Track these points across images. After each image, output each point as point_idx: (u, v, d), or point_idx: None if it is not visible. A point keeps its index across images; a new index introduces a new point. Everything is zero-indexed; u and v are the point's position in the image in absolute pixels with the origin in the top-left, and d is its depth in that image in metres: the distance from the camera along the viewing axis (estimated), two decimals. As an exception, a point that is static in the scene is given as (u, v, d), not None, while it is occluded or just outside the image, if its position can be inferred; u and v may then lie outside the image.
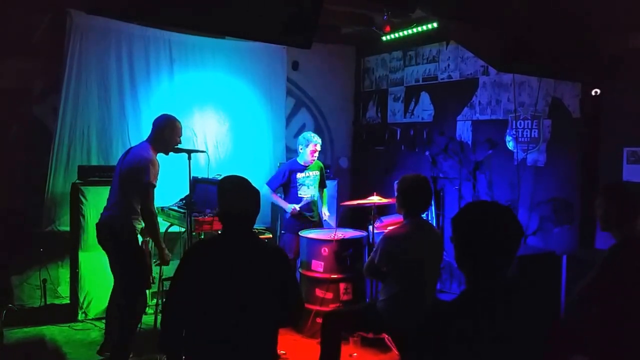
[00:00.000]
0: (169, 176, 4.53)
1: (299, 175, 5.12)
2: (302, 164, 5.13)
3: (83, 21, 5.19)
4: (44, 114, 5.43)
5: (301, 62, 6.78)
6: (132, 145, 4.61)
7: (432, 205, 5.27)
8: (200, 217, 4.25)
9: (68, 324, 4.87)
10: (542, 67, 4.05)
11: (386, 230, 3.89)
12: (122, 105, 5.52)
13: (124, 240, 3.89)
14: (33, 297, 5.11)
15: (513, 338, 1.71)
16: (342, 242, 4.70)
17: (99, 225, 4.01)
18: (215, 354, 2.50)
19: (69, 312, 4.98)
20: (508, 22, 3.57)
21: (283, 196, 5.22)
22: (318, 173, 5.24)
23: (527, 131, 5.12)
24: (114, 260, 3.99)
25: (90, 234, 4.60)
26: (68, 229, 5.01)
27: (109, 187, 4.09)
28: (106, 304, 4.34)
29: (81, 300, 4.96)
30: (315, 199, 5.21)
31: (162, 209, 4.72)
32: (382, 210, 5.40)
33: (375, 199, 4.67)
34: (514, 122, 5.22)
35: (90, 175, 4.96)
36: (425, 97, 6.34)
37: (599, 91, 4.40)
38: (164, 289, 4.23)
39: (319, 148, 5.12)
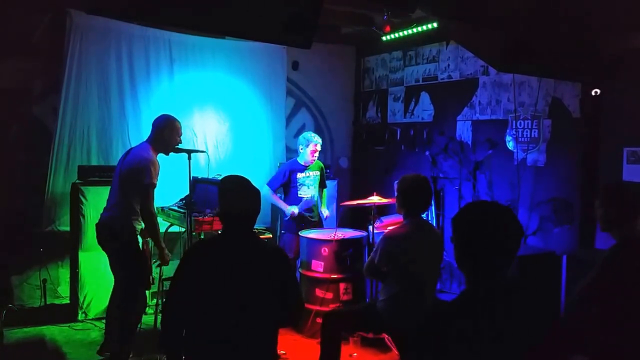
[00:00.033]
0: (169, 176, 4.53)
1: (299, 175, 5.12)
2: (303, 164, 5.13)
3: (83, 21, 5.19)
4: (44, 114, 5.43)
5: (301, 62, 6.78)
6: (132, 145, 4.62)
7: (432, 205, 5.27)
8: (200, 217, 4.25)
9: (68, 324, 4.88)
10: (542, 67, 4.05)
11: (386, 230, 3.89)
12: (122, 105, 5.52)
13: (124, 241, 3.90)
14: (33, 297, 5.11)
15: (513, 338, 1.71)
16: (342, 242, 4.70)
17: (98, 226, 4.01)
18: (215, 354, 2.50)
19: (69, 312, 4.98)
20: (508, 22, 3.57)
21: (283, 196, 5.22)
22: (318, 173, 5.24)
23: (527, 131, 5.12)
24: (114, 260, 3.99)
25: (90, 234, 4.60)
26: (68, 229, 5.01)
27: (109, 187, 4.09)
28: (106, 304, 4.34)
29: (81, 300, 4.96)
30: (316, 199, 5.21)
31: (162, 209, 4.72)
32: (382, 210, 5.40)
33: (375, 199, 4.67)
34: (514, 122, 5.22)
35: (90, 175, 4.96)
36: (425, 97, 6.34)
37: (599, 91, 4.40)
38: (164, 289, 4.23)
39: (319, 148, 5.12)
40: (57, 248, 5.14)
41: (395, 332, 3.65)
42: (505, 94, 5.33)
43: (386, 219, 5.10)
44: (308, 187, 5.14)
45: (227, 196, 2.69)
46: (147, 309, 4.49)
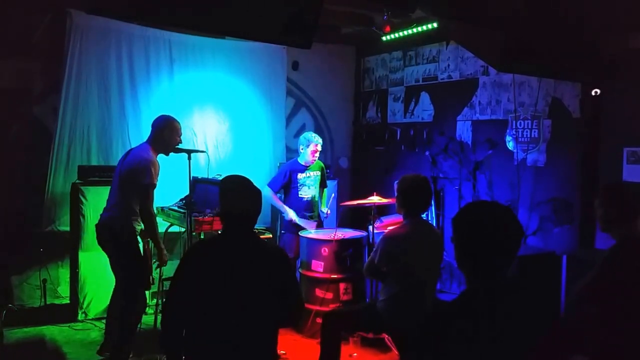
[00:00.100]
0: (169, 176, 4.53)
1: (300, 175, 5.12)
2: (303, 164, 5.13)
3: (83, 21, 5.19)
4: (44, 114, 5.44)
5: (301, 62, 6.78)
6: (132, 145, 4.63)
7: (432, 205, 5.27)
8: (200, 217, 4.25)
9: (68, 324, 4.88)
10: (542, 67, 4.05)
11: (386, 231, 3.89)
12: (122, 105, 5.52)
13: (124, 241, 3.90)
14: (33, 297, 5.11)
15: (513, 338, 1.71)
16: (342, 242, 4.70)
17: (98, 227, 4.01)
18: (216, 354, 2.50)
19: (69, 312, 4.98)
20: (508, 22, 3.57)
21: (283, 196, 5.22)
22: (319, 173, 5.24)
23: (527, 131, 5.12)
24: (114, 261, 3.99)
25: (90, 234, 4.60)
26: (68, 229, 5.01)
27: (109, 187, 4.09)
28: (106, 304, 4.35)
29: (81, 300, 4.96)
30: (316, 199, 5.21)
31: (162, 209, 4.72)
32: (382, 210, 5.40)
33: (375, 199, 4.67)
34: (514, 122, 5.22)
35: (90, 175, 4.96)
36: (425, 97, 6.34)
37: (599, 91, 4.40)
38: (164, 289, 4.23)
39: (319, 148, 5.11)
40: (57, 248, 5.14)
41: (395, 332, 3.65)
42: (505, 94, 5.33)
43: (386, 219, 5.10)
44: (309, 187, 5.14)
45: (228, 196, 2.69)
46: (147, 309, 4.49)
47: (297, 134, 6.23)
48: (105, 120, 5.44)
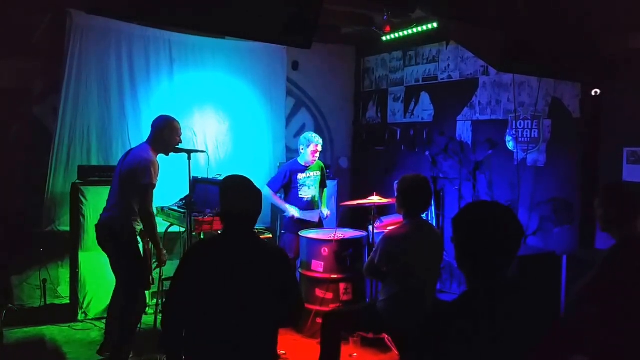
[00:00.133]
0: (169, 176, 4.53)
1: (300, 175, 5.12)
2: (303, 164, 5.13)
3: (83, 21, 5.19)
4: (44, 114, 5.44)
5: (301, 62, 6.78)
6: (132, 145, 4.63)
7: (432, 205, 5.27)
8: (200, 217, 4.25)
9: (68, 324, 4.87)
10: (542, 67, 4.05)
11: (386, 231, 3.89)
12: (122, 105, 5.52)
13: (124, 241, 3.90)
14: (33, 297, 5.10)
15: (513, 338, 1.71)
16: (342, 242, 4.70)
17: (98, 227, 4.01)
18: (216, 354, 2.50)
19: (69, 312, 4.98)
20: (508, 22, 3.57)
21: (283, 196, 5.22)
22: (319, 173, 5.24)
23: (527, 131, 5.12)
24: (114, 261, 3.99)
25: (90, 234, 4.60)
26: (68, 229, 5.01)
27: (109, 187, 4.09)
28: (106, 304, 4.35)
29: (81, 300, 4.96)
30: (316, 199, 5.21)
31: (162, 209, 4.72)
32: (382, 210, 5.40)
33: (375, 199, 4.67)
34: (514, 122, 5.22)
35: (90, 175, 4.96)
36: (425, 97, 6.34)
37: (599, 91, 4.40)
38: (164, 289, 4.23)
39: (320, 149, 5.11)
40: (57, 248, 5.14)
41: (395, 332, 3.65)
42: (505, 94, 5.33)
43: (386, 219, 5.10)
44: (309, 187, 5.14)
45: (229, 196, 2.69)
46: (147, 309, 4.49)
47: (297, 134, 6.23)
48: (105, 120, 5.44)
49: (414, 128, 6.41)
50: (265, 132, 6.38)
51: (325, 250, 4.67)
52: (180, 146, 4.10)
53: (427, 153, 6.09)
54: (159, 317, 4.21)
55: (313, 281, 4.73)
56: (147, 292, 4.21)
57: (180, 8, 2.77)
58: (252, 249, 2.64)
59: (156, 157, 3.96)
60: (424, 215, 4.05)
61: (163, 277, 4.37)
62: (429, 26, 5.62)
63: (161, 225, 4.60)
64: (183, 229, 4.56)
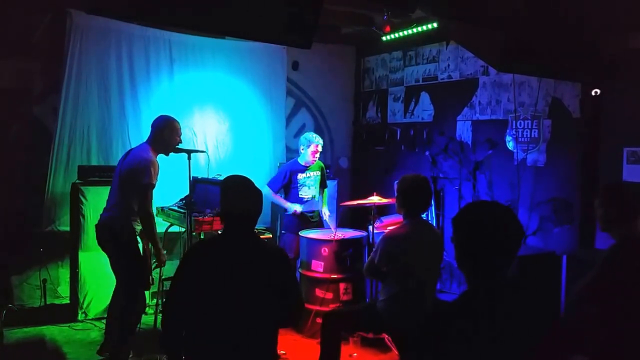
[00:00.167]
0: (169, 176, 4.53)
1: (300, 175, 5.12)
2: (303, 164, 5.13)
3: (83, 21, 5.19)
4: (44, 114, 5.44)
5: (301, 62, 6.78)
6: (132, 145, 4.63)
7: (432, 205, 5.27)
8: (200, 217, 4.25)
9: (68, 324, 4.87)
10: (542, 67, 4.05)
11: (386, 231, 3.89)
12: (122, 105, 5.52)
13: (124, 241, 3.90)
14: (33, 297, 5.10)
15: (513, 338, 1.71)
16: (342, 242, 4.70)
17: (98, 227, 4.01)
18: (216, 354, 2.50)
19: (69, 312, 4.98)
20: (508, 22, 3.57)
21: (283, 196, 5.22)
22: (319, 173, 5.24)
23: (527, 131, 5.12)
24: (114, 261, 3.99)
25: (90, 234, 4.60)
26: (68, 229, 5.01)
27: (109, 187, 4.09)
28: (106, 304, 4.34)
29: (81, 300, 4.96)
30: (317, 199, 5.21)
31: (162, 209, 4.72)
32: (382, 210, 5.40)
33: (375, 199, 4.67)
34: (514, 122, 5.22)
35: (90, 175, 4.96)
36: (425, 97, 6.34)
37: (599, 91, 4.40)
38: (164, 289, 4.23)
39: (320, 149, 5.11)
40: (57, 248, 5.14)
41: (395, 332, 3.65)
42: (505, 94, 5.33)
43: (386, 219, 5.10)
44: (309, 187, 5.14)
45: (229, 196, 2.69)
46: (147, 309, 4.49)
47: (297, 134, 6.23)
48: (105, 120, 5.44)
49: (414, 128, 6.41)
50: (265, 132, 6.38)
51: (325, 250, 4.67)
52: (180, 146, 4.10)
53: (427, 153, 6.09)
54: (159, 317, 4.21)
55: (313, 281, 4.73)
56: (147, 292, 4.21)
57: (180, 8, 2.77)
58: (252, 249, 2.64)
59: (156, 157, 3.96)
60: (424, 215, 4.05)
61: (163, 277, 4.37)
62: (429, 26, 5.62)
63: (161, 225, 4.61)
64: (183, 229, 4.56)
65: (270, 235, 4.92)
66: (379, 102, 7.06)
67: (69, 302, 5.07)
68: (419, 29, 5.74)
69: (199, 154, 4.93)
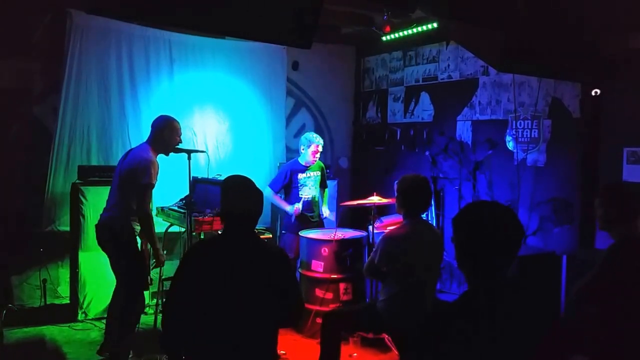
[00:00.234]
0: (169, 176, 4.54)
1: (300, 175, 5.12)
2: (304, 164, 5.13)
3: (83, 21, 5.19)
4: (44, 114, 5.44)
5: (301, 62, 6.78)
6: (132, 145, 4.63)
7: (432, 206, 5.27)
8: (200, 217, 4.25)
9: (68, 324, 4.87)
10: (542, 67, 4.05)
11: (386, 231, 3.89)
12: (122, 105, 5.52)
13: (124, 242, 3.90)
14: (33, 297, 5.10)
15: (513, 338, 1.71)
16: (342, 242, 4.70)
17: (98, 227, 4.01)
18: (216, 354, 2.50)
19: (69, 312, 4.97)
20: (508, 22, 3.57)
21: (284, 196, 5.22)
22: (319, 173, 5.24)
23: (527, 131, 5.12)
24: (114, 261, 3.99)
25: (90, 234, 4.60)
26: (68, 229, 5.00)
27: (109, 187, 4.09)
28: (106, 304, 4.34)
29: (81, 300, 4.96)
30: (317, 199, 5.21)
31: (162, 209, 4.72)
32: (382, 210, 5.40)
33: (375, 199, 4.67)
34: (514, 122, 5.22)
35: (90, 175, 4.96)
36: (425, 97, 6.34)
37: (599, 91, 4.40)
38: (164, 289, 4.23)
39: (320, 149, 5.10)
40: (57, 248, 5.14)
41: (395, 332, 3.64)
42: (505, 94, 5.33)
43: (386, 219, 5.10)
44: (309, 187, 5.14)
45: (230, 196, 2.69)
46: (147, 309, 4.48)
47: (297, 134, 6.24)
48: (105, 120, 5.44)
49: (414, 128, 6.42)
50: (265, 132, 6.38)
51: (325, 250, 4.67)
52: (180, 146, 4.10)
53: (427, 153, 6.09)
54: (159, 317, 4.21)
55: (313, 281, 4.72)
56: (146, 292, 4.21)
57: (180, 8, 2.77)
58: (252, 249, 2.64)
59: (156, 157, 3.96)
60: (424, 215, 4.05)
61: (163, 277, 4.37)
62: (429, 26, 5.62)
63: (161, 225, 4.61)
64: (183, 229, 4.56)
65: (270, 235, 4.92)
66: (379, 102, 7.06)
67: (69, 302, 5.07)
68: (419, 29, 5.74)
69: (199, 154, 4.92)
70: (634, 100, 4.23)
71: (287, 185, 5.13)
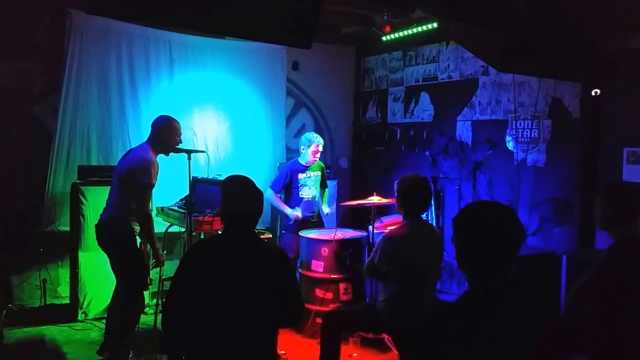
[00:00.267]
0: (169, 176, 4.53)
1: (301, 175, 5.12)
2: (304, 164, 5.13)
3: (83, 21, 5.20)
4: (44, 114, 5.44)
5: (301, 62, 6.78)
6: (132, 145, 4.63)
7: (432, 206, 5.27)
8: (200, 217, 4.25)
9: (68, 324, 4.87)
10: (542, 67, 4.05)
11: (386, 231, 3.89)
12: (122, 105, 5.52)
13: (124, 242, 3.90)
14: (33, 297, 5.10)
15: (513, 338, 1.71)
16: (342, 242, 4.70)
17: (98, 227, 4.01)
18: (216, 354, 2.50)
19: (69, 312, 4.97)
20: (508, 22, 3.57)
21: (284, 197, 5.22)
22: (319, 173, 5.24)
23: (527, 131, 5.12)
24: (114, 261, 3.99)
25: (90, 234, 4.60)
26: (68, 229, 5.00)
27: (109, 187, 4.09)
28: (106, 304, 4.34)
29: (81, 300, 4.96)
30: (317, 199, 5.21)
31: (162, 209, 4.72)
32: (382, 210, 5.40)
33: (375, 199, 4.67)
34: (514, 122, 5.22)
35: (90, 175, 4.96)
36: (425, 97, 6.34)
37: (599, 91, 4.40)
38: (164, 289, 4.23)
39: (321, 149, 5.10)
40: (57, 248, 5.14)
41: (395, 332, 3.64)
42: (505, 94, 5.33)
43: (386, 219, 5.10)
44: (309, 187, 5.14)
45: (230, 196, 2.69)
46: (147, 309, 4.48)
47: (297, 134, 6.24)
48: (105, 120, 5.44)
49: (414, 128, 6.42)
50: (265, 132, 6.38)
51: (325, 250, 4.67)
52: (180, 146, 4.10)
53: (427, 153, 6.09)
54: (159, 317, 4.21)
55: (313, 281, 4.72)
56: (146, 292, 4.21)
57: (180, 8, 2.77)
58: (252, 249, 2.64)
59: (156, 157, 3.96)
60: (424, 215, 4.05)
61: (163, 277, 4.37)
62: (429, 26, 5.62)
63: (161, 225, 4.61)
64: (183, 229, 4.55)
65: (270, 235, 4.92)
66: (379, 102, 7.06)
67: (69, 302, 5.07)
68: (419, 29, 5.74)
69: (199, 154, 4.92)
70: (634, 100, 4.23)
71: (288, 185, 5.13)
